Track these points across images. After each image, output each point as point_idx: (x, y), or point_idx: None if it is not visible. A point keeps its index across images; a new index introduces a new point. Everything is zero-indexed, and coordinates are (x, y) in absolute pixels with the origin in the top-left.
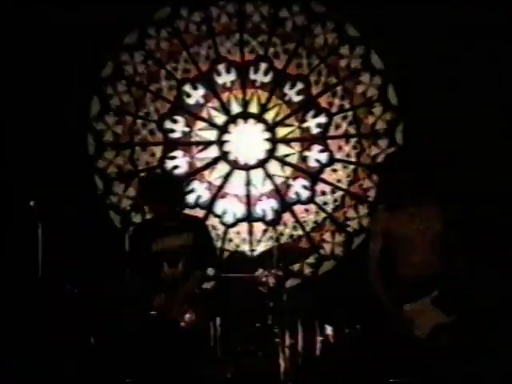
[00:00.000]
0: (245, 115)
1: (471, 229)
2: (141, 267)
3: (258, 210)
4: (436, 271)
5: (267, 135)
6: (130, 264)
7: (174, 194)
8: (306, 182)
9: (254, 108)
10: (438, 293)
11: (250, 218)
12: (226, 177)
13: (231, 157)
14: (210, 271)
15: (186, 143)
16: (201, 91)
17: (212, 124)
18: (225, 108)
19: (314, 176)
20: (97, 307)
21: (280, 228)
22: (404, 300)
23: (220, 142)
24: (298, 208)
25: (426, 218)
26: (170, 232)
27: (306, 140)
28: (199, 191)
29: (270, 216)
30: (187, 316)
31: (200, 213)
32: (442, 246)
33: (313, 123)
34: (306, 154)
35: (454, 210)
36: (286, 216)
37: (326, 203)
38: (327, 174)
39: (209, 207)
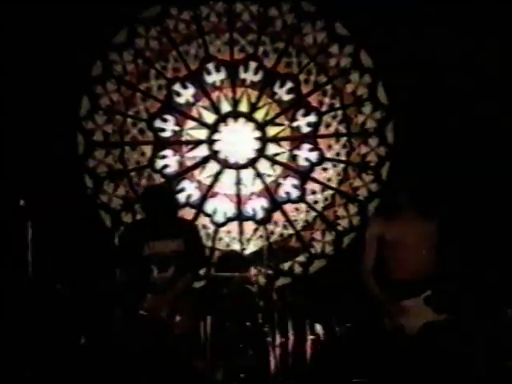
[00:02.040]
0: (235, 114)
1: (464, 230)
2: (130, 267)
3: (249, 209)
4: (429, 272)
5: (257, 134)
6: (119, 264)
7: (171, 206)
8: (296, 181)
9: (244, 107)
10: (431, 293)
11: (240, 217)
12: (216, 176)
13: (221, 156)
14: (201, 271)
15: (176, 142)
16: (191, 90)
17: (202, 123)
18: (215, 107)
19: (304, 175)
20: (87, 307)
21: (270, 227)
22: (397, 299)
23: (210, 141)
24: (288, 207)
25: (421, 221)
26: (162, 236)
27: (296, 139)
28: (189, 190)
29: (260, 215)
30: (178, 316)
31: (190, 212)
32: (435, 248)
33: (303, 122)
34: (296, 152)
35: (447, 212)
36: (277, 215)
37: (316, 202)
38: (317, 173)
39: (199, 206)
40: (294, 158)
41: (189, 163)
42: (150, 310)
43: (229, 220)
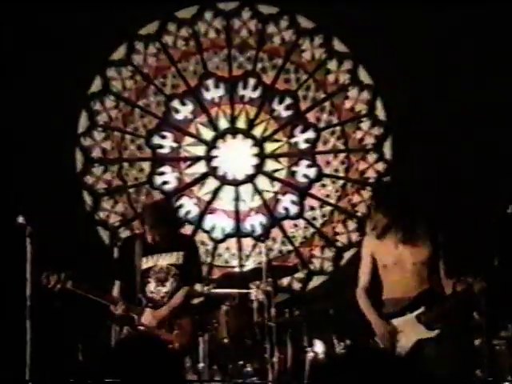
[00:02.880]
0: (233, 130)
1: (459, 250)
2: (128, 282)
3: (247, 225)
4: (422, 290)
5: (255, 150)
6: (117, 277)
7: (173, 221)
8: (294, 197)
9: (242, 123)
10: (424, 310)
11: (238, 233)
12: (215, 192)
13: (220, 172)
14: (199, 287)
15: (174, 159)
16: (189, 107)
17: (200, 139)
18: (213, 123)
19: (302, 191)
20: (85, 324)
21: (269, 243)
22: (390, 317)
23: (208, 158)
24: (286, 223)
25: (414, 241)
26: (160, 250)
27: (294, 155)
28: (188, 207)
29: (258, 231)
30: (175, 331)
31: (189, 228)
32: (429, 267)
33: (301, 138)
34: (295, 169)
35: (443, 232)
36: (275, 231)
37: (314, 218)
38: (316, 189)
39: (198, 223)
40: (292, 174)
41: (187, 179)
42: (147, 324)
43: (227, 236)
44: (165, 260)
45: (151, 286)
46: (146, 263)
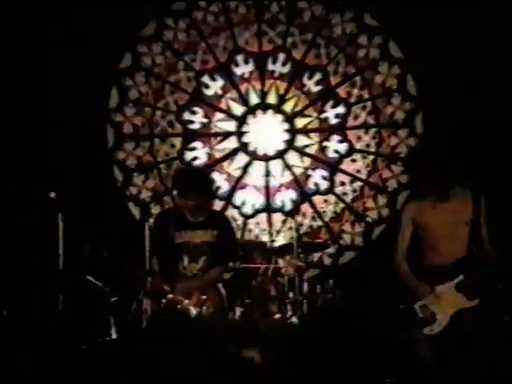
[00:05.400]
0: (263, 106)
1: (500, 215)
2: (161, 256)
3: (277, 200)
4: (462, 257)
5: (286, 126)
6: (150, 252)
7: (207, 188)
8: (325, 173)
9: (272, 99)
10: (464, 278)
11: (269, 208)
12: (245, 168)
13: (250, 148)
14: (232, 264)
15: (205, 134)
16: (219, 82)
17: (231, 115)
18: (243, 99)
19: (332, 166)
20: (117, 299)
21: (299, 218)
22: (431, 285)
23: (239, 133)
24: (317, 198)
25: (456, 206)
26: (194, 226)
27: (325, 130)
28: (218, 182)
29: (288, 207)
30: (204, 308)
31: (219, 204)
32: (471, 232)
33: (331, 113)
34: (325, 144)
35: (483, 197)
36: (305, 207)
37: (345, 193)
38: (346, 165)
39: (228, 198)
40: (322, 149)
41: (218, 155)
42: (177, 295)
43: (257, 212)
44: (199, 237)
45: (184, 261)
46: (180, 238)
